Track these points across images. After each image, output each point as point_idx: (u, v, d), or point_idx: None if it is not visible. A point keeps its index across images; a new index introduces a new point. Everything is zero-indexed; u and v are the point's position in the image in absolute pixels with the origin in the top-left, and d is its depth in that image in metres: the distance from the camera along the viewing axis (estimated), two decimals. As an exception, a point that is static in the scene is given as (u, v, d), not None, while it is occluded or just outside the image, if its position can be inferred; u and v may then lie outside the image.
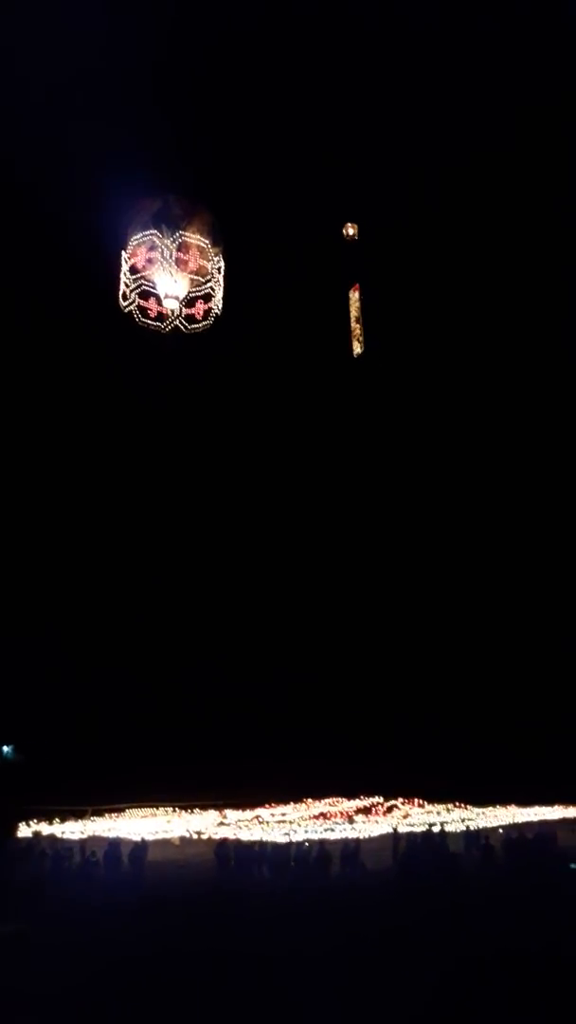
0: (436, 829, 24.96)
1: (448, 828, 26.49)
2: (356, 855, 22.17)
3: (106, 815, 32.37)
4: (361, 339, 45.90)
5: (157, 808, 33.94)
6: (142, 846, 21.96)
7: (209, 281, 39.79)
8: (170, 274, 38.60)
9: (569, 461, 45.05)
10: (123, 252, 38.98)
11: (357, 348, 46.01)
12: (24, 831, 29.33)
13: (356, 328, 45.96)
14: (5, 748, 39.37)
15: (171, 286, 38.90)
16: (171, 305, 39.29)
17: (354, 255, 47.74)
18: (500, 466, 46.68)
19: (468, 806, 33.15)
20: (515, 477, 46.13)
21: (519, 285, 45.63)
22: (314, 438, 47.06)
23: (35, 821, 30.83)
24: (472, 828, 27.41)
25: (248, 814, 32.10)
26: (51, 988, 12.17)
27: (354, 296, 46.40)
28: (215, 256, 39.55)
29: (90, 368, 46.09)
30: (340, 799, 35.30)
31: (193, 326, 40.02)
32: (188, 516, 45.33)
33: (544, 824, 27.44)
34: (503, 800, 33.03)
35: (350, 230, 47.00)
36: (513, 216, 44.64)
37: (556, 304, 45.16)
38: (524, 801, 32.75)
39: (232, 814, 32.33)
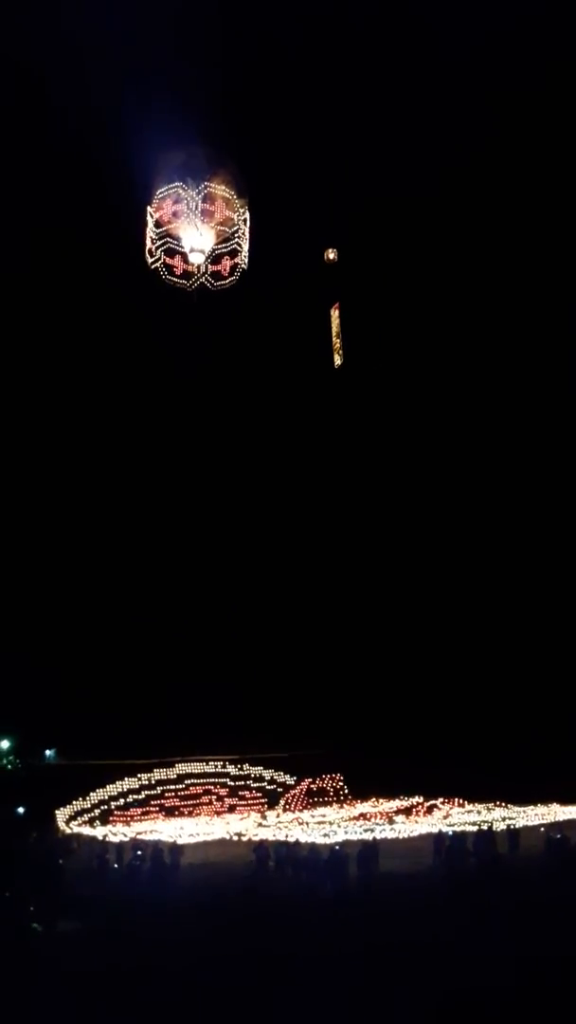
0: (477, 828, 24.78)
1: (490, 827, 26.25)
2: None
3: (155, 771, 33.83)
4: (341, 352, 49.93)
5: (207, 763, 35.37)
6: (181, 848, 22.12)
7: (235, 235, 39.70)
8: (195, 226, 38.39)
9: (545, 462, 46.66)
10: (148, 208, 38.83)
11: (337, 360, 50.11)
12: (69, 831, 29.85)
13: (336, 343, 50.29)
14: (48, 752, 39.91)
15: (197, 239, 38.63)
16: (197, 260, 39.01)
17: (334, 277, 51.35)
18: (472, 462, 48.04)
19: (509, 805, 32.89)
20: (487, 471, 47.78)
21: (487, 302, 48.41)
22: (298, 438, 48.88)
23: (79, 823, 31.35)
24: (513, 827, 27.12)
25: (288, 816, 32.28)
26: (115, 984, 12.34)
27: (335, 314, 50.60)
28: (241, 208, 39.44)
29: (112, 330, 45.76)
30: (381, 799, 35.30)
31: (220, 283, 39.92)
32: (209, 492, 45.29)
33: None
34: (544, 799, 32.70)
35: (330, 255, 50.57)
36: (482, 239, 47.61)
37: (517, 316, 47.79)
38: (565, 799, 32.39)
39: (271, 816, 32.60)
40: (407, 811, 33.05)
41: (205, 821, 32.14)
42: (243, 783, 36.39)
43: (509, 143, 45.61)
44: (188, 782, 35.42)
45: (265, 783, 36.79)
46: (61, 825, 31.16)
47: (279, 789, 36.59)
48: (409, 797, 34.78)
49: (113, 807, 33.37)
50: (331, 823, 30.21)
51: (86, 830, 30.21)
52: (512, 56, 42.92)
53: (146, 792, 34.52)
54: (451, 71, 43.94)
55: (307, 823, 30.53)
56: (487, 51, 43.76)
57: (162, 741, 36.40)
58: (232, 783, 36.20)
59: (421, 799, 34.40)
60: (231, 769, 36.46)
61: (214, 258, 40.10)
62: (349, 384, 50.34)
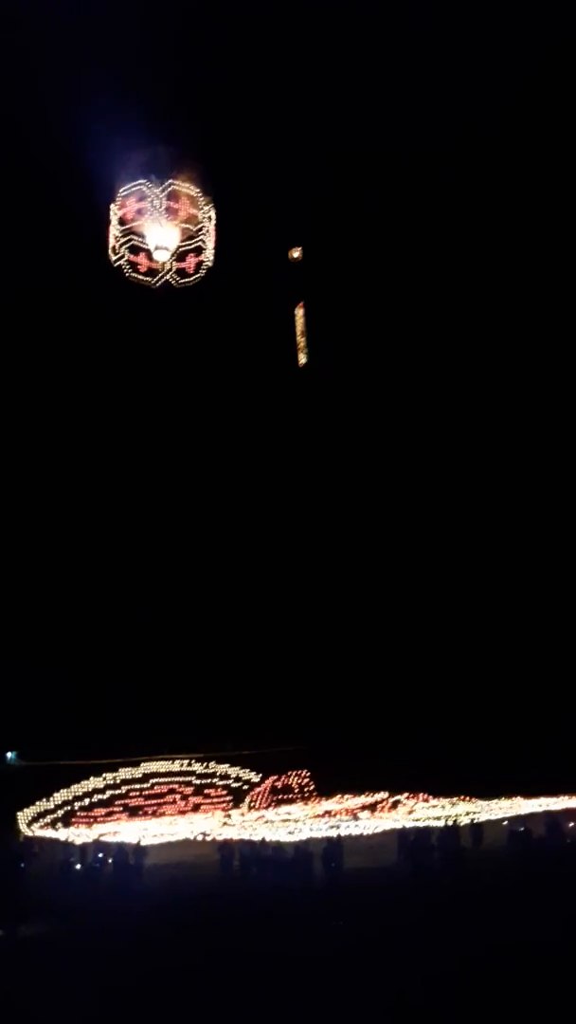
0: (443, 823, 24.98)
1: (454, 822, 26.49)
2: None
3: (120, 770, 33.84)
4: (305, 351, 49.64)
5: (172, 761, 35.50)
6: (145, 849, 21.97)
7: (200, 232, 39.57)
8: (160, 224, 38.24)
9: (532, 456, 47.06)
10: (112, 205, 38.56)
11: (302, 359, 49.82)
12: (31, 834, 29.51)
13: (301, 341, 49.87)
14: (9, 755, 39.27)
15: (161, 237, 38.45)
16: (162, 257, 38.79)
17: (298, 276, 50.82)
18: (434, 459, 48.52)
19: (474, 799, 33.22)
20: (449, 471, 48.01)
21: (458, 301, 48.53)
22: (266, 433, 48.74)
23: (42, 825, 30.98)
24: (476, 821, 27.40)
25: (253, 815, 32.25)
26: (76, 991, 12.16)
27: (299, 313, 50.11)
28: (206, 205, 39.33)
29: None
30: (346, 796, 35.40)
31: (184, 280, 39.81)
32: (176, 488, 44.93)
33: (549, 815, 27.40)
34: (508, 792, 33.09)
35: (295, 253, 49.97)
36: (454, 237, 47.31)
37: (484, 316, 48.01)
38: (529, 792, 32.81)
39: (236, 815, 32.55)
40: (371, 807, 33.22)
41: (169, 821, 31.97)
42: (208, 781, 36.30)
43: (484, 136, 45.54)
44: (153, 781, 35.22)
45: (231, 781, 36.74)
46: (23, 828, 30.77)
47: (244, 787, 36.54)
48: (374, 793, 34.92)
49: (76, 808, 33.04)
50: (296, 821, 30.26)
51: (49, 832, 29.87)
52: (496, 46, 42.70)
53: (111, 792, 34.26)
54: (422, 64, 43.83)
55: (272, 821, 30.54)
56: (462, 43, 43.58)
57: (127, 741, 36.13)
58: (197, 781, 36.09)
59: (386, 795, 34.59)
60: (196, 767, 36.35)
61: (179, 255, 39.91)
62: (314, 381, 50.35)
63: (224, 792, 36.17)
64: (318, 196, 47.96)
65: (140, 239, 39.06)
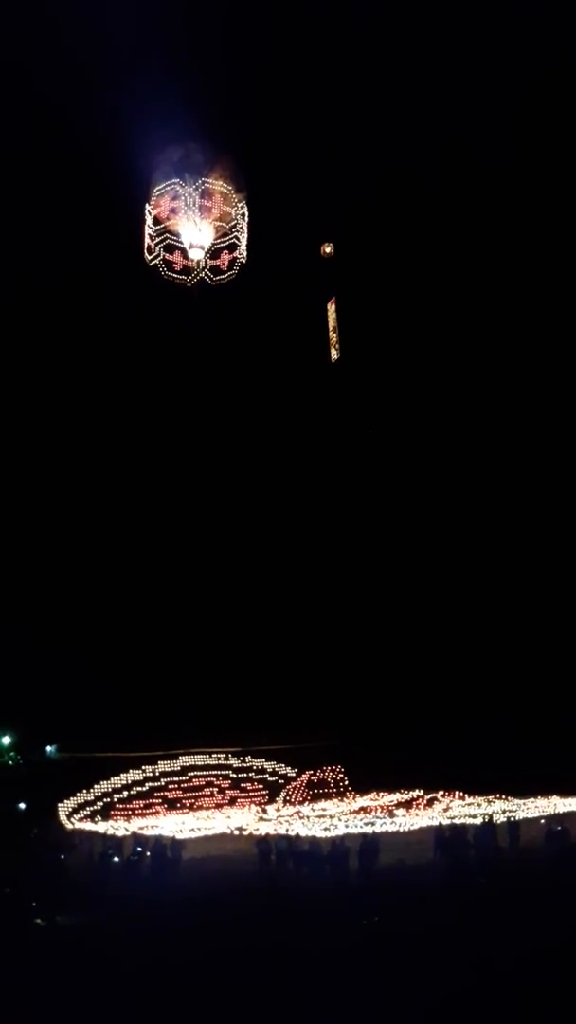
0: (479, 821, 24.88)
1: (490, 820, 26.34)
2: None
3: (159, 763, 34.18)
4: (337, 347, 49.40)
5: (210, 755, 35.83)
6: (182, 843, 22.25)
7: (234, 229, 39.82)
8: (194, 222, 38.64)
9: (546, 456, 46.82)
10: (147, 204, 38.95)
11: (334, 355, 49.62)
12: (71, 826, 30.01)
13: (333, 337, 49.61)
14: (49, 747, 39.97)
15: (196, 235, 38.82)
16: (196, 255, 39.15)
17: (330, 271, 50.53)
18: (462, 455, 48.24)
19: (509, 797, 33.00)
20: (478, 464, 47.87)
21: (487, 297, 48.37)
22: (296, 430, 48.70)
23: (81, 817, 31.49)
24: (513, 819, 27.22)
25: (288, 810, 32.42)
26: (118, 980, 12.37)
27: (331, 308, 49.84)
28: (239, 202, 39.55)
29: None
30: (381, 792, 35.41)
31: (219, 277, 40.10)
32: (207, 484, 45.24)
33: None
34: (544, 791, 32.80)
35: (327, 249, 49.57)
36: (482, 236, 47.31)
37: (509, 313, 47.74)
38: (565, 791, 32.49)
39: (271, 810, 32.74)
40: (407, 804, 33.16)
41: (206, 815, 32.28)
42: (245, 775, 36.55)
43: (512, 134, 45.43)
44: (191, 774, 35.56)
45: (267, 775, 36.96)
46: (63, 820, 31.29)
47: (280, 781, 36.73)
48: (409, 790, 34.86)
49: (115, 800, 33.50)
50: (332, 817, 30.34)
51: (88, 825, 30.35)
52: (516, 44, 42.66)
53: (149, 784, 34.68)
54: (452, 62, 43.73)
55: (308, 816, 30.67)
56: (490, 41, 43.49)
57: (164, 734, 36.54)
58: (234, 775, 36.35)
59: (421, 792, 34.50)
60: (233, 761, 36.62)
61: (213, 253, 40.22)
62: (346, 378, 50.27)
63: (260, 786, 36.38)
64: (350, 191, 47.86)
65: (175, 238, 39.45)
